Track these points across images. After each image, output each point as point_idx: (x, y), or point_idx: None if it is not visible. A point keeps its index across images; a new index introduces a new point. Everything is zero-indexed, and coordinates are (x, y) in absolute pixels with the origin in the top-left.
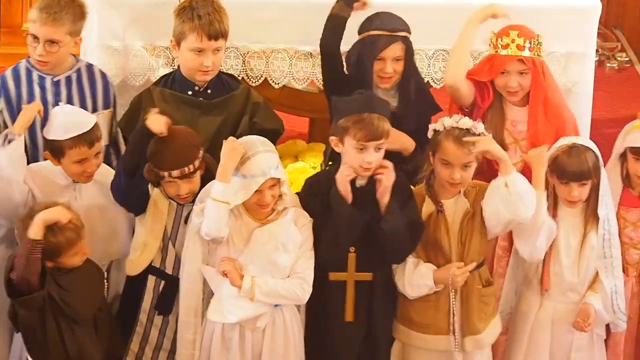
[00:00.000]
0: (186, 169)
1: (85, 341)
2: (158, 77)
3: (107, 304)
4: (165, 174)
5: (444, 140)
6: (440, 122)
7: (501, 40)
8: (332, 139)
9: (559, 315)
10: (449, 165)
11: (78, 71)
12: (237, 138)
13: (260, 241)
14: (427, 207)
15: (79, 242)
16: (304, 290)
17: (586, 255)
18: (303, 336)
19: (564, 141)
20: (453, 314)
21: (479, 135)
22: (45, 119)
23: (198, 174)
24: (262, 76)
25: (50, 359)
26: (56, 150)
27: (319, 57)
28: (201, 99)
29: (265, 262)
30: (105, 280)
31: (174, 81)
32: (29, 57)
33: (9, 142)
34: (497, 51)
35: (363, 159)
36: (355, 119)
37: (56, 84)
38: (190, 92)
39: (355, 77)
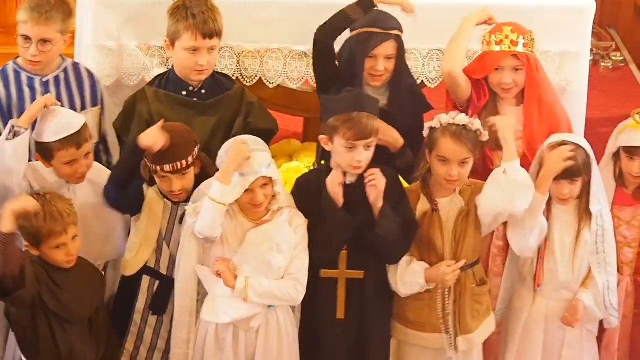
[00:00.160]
0: (179, 164)
1: (78, 341)
2: (152, 77)
3: (106, 307)
4: (158, 168)
5: (441, 137)
6: (437, 119)
7: (494, 37)
8: (322, 138)
9: (552, 312)
10: (446, 162)
11: (65, 70)
12: (232, 138)
13: (255, 242)
14: (422, 206)
15: (62, 236)
16: (297, 291)
17: (580, 253)
18: (297, 336)
19: (554, 139)
20: (446, 312)
21: (475, 131)
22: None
23: (192, 171)
24: (256, 76)
25: (42, 358)
26: (45, 152)
27: None
28: (195, 99)
29: (259, 262)
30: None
31: (168, 81)
32: (15, 58)
33: (15, 134)
34: (490, 48)
35: (353, 158)
36: (345, 118)
37: (45, 84)
38: (184, 93)
39: (346, 73)
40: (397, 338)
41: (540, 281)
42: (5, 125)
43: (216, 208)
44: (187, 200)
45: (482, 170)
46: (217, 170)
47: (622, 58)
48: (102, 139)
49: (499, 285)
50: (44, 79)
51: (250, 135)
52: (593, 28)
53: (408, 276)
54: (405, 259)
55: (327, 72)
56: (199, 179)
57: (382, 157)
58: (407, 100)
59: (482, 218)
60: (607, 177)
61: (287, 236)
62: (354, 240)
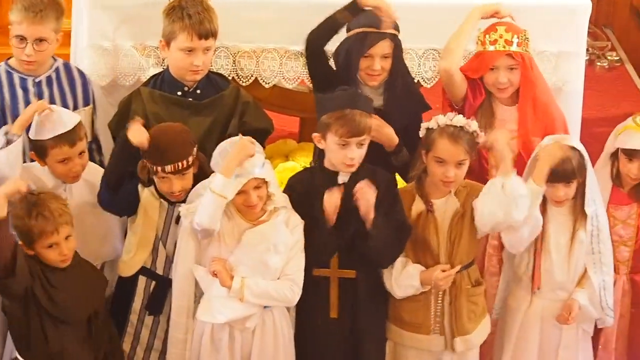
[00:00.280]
0: (179, 164)
1: (72, 341)
2: (148, 77)
3: (106, 309)
4: (159, 168)
5: (438, 138)
6: (434, 120)
7: (489, 37)
8: (315, 136)
9: (548, 313)
10: (443, 163)
11: (57, 70)
12: (227, 138)
13: (252, 242)
14: (417, 206)
15: (54, 236)
16: (293, 292)
17: (575, 253)
18: (293, 337)
19: (549, 141)
20: (440, 314)
21: (472, 133)
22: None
23: (191, 172)
24: (252, 76)
25: (32, 353)
26: (40, 150)
27: None
28: (191, 99)
29: (256, 263)
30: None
31: (163, 82)
32: (7, 59)
33: (8, 141)
34: (485, 47)
35: (345, 155)
36: (337, 115)
37: (38, 85)
38: (179, 93)
39: (343, 73)
40: (393, 340)
41: (538, 283)
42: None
43: (217, 200)
44: (184, 201)
45: (478, 170)
46: (214, 171)
47: (617, 58)
48: (95, 139)
49: (495, 285)
50: (37, 80)
51: (244, 136)
52: (589, 28)
53: (403, 279)
54: (400, 260)
55: (322, 73)
56: (196, 179)
57: (380, 156)
58: (404, 100)
59: (480, 227)
60: (604, 177)
61: (284, 237)
62: (345, 247)
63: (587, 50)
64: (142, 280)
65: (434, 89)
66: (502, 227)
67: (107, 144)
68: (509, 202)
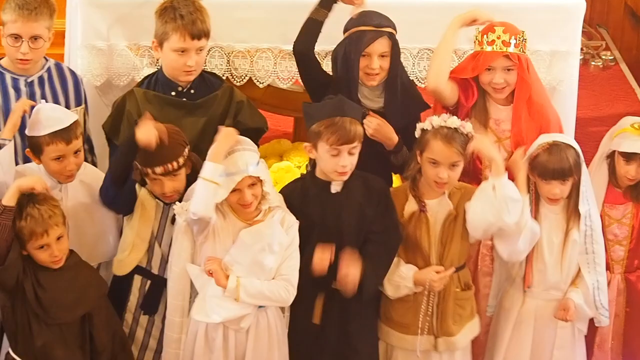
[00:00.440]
0: (169, 165)
1: (55, 342)
2: (142, 77)
3: (105, 312)
4: (149, 170)
5: (432, 139)
6: (428, 121)
7: (486, 37)
8: (306, 146)
9: (542, 313)
10: (437, 165)
11: (49, 70)
12: None
13: (247, 242)
14: (410, 206)
15: (44, 237)
16: (288, 292)
17: (569, 252)
18: (287, 337)
19: (545, 139)
20: (427, 314)
21: (466, 135)
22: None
23: (183, 172)
24: (246, 76)
25: (18, 345)
26: (35, 147)
27: None
28: (185, 99)
29: (251, 262)
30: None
31: (157, 82)
32: None
33: None
34: (482, 48)
35: (337, 163)
36: (327, 123)
37: (30, 85)
38: (173, 93)
39: (342, 74)
40: (385, 341)
41: (530, 282)
42: None
43: (208, 187)
44: (179, 201)
45: (472, 172)
46: None
47: (612, 57)
48: (87, 139)
49: (488, 284)
50: (29, 80)
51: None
52: (583, 27)
53: (396, 279)
54: (393, 260)
55: (316, 79)
56: (190, 180)
57: (381, 156)
58: (403, 100)
59: (471, 231)
60: (598, 177)
61: (279, 236)
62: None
63: (582, 49)
64: (137, 279)
65: None
66: (494, 230)
67: (100, 145)
68: (499, 205)
